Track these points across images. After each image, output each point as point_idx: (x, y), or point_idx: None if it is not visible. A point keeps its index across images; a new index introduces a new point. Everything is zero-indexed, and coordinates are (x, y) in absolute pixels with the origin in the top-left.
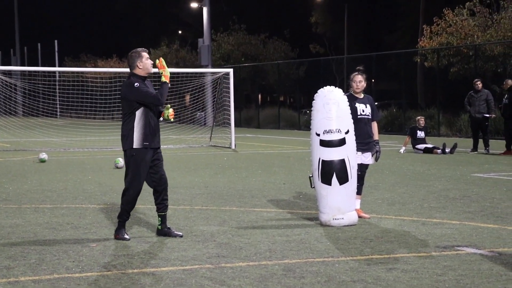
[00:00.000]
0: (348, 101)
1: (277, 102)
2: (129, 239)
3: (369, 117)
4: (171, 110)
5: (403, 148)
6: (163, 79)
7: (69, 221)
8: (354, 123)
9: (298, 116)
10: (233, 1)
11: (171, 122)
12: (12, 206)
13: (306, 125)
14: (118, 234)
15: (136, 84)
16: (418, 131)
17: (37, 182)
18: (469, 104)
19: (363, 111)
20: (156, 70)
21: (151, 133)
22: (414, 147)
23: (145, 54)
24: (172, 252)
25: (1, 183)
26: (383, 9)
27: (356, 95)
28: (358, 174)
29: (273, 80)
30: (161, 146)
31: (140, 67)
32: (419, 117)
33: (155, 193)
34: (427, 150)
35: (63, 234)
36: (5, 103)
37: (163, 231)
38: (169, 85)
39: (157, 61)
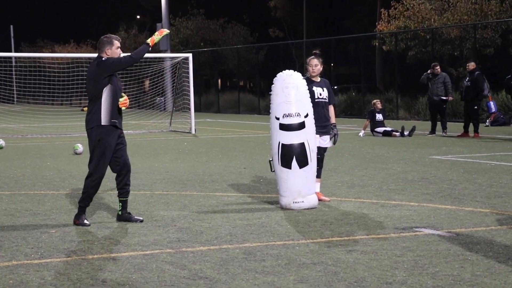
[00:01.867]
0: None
1: (236, 87)
2: (89, 225)
3: (326, 100)
4: (122, 99)
5: (362, 131)
6: (148, 39)
7: (27, 207)
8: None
9: (258, 101)
10: None
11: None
12: None
13: (266, 110)
14: (78, 219)
15: (103, 58)
16: (376, 114)
17: None
18: (428, 82)
19: (320, 94)
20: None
21: (118, 112)
22: (373, 130)
23: (117, 43)
24: (133, 237)
25: None
26: None
27: (313, 79)
28: (317, 158)
29: (232, 64)
30: None
31: (108, 53)
32: (375, 101)
33: (117, 178)
34: (386, 133)
35: (22, 221)
36: None
37: (124, 217)
38: (149, 48)
39: (162, 29)
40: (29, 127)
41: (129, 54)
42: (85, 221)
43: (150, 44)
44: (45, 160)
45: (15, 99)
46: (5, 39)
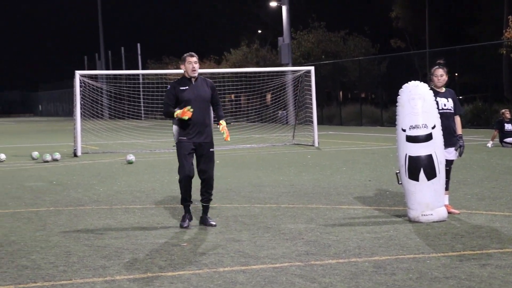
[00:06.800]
0: None
1: (358, 99)
2: (187, 227)
3: (451, 111)
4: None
5: (491, 142)
6: (178, 111)
7: (159, 221)
8: None
9: (381, 112)
10: None
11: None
12: (104, 207)
13: (389, 121)
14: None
15: (169, 86)
16: (505, 124)
17: (126, 183)
18: None
19: (444, 105)
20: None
21: (187, 128)
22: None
23: (188, 59)
24: (262, 250)
25: (92, 185)
26: (465, 0)
27: (438, 89)
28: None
29: (354, 76)
30: (241, 145)
31: (183, 69)
32: (504, 110)
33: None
34: None
35: (154, 234)
36: (92, 106)
37: (201, 219)
38: (175, 119)
39: (186, 112)
40: (156, 142)
41: (167, 107)
42: (182, 223)
43: (174, 116)
44: (173, 175)
45: (143, 115)
46: (132, 57)
